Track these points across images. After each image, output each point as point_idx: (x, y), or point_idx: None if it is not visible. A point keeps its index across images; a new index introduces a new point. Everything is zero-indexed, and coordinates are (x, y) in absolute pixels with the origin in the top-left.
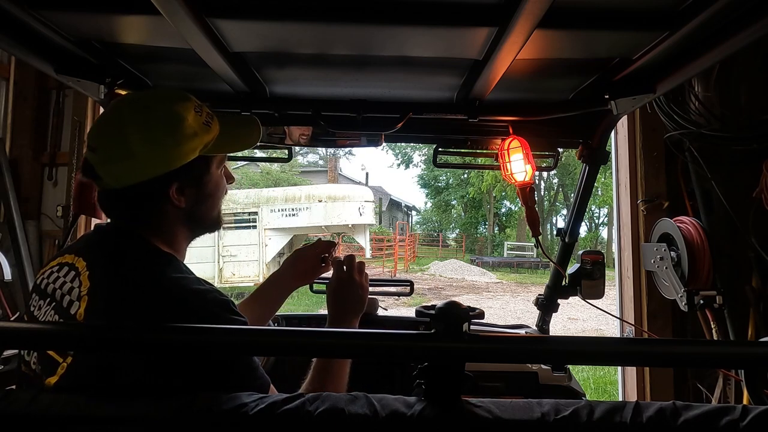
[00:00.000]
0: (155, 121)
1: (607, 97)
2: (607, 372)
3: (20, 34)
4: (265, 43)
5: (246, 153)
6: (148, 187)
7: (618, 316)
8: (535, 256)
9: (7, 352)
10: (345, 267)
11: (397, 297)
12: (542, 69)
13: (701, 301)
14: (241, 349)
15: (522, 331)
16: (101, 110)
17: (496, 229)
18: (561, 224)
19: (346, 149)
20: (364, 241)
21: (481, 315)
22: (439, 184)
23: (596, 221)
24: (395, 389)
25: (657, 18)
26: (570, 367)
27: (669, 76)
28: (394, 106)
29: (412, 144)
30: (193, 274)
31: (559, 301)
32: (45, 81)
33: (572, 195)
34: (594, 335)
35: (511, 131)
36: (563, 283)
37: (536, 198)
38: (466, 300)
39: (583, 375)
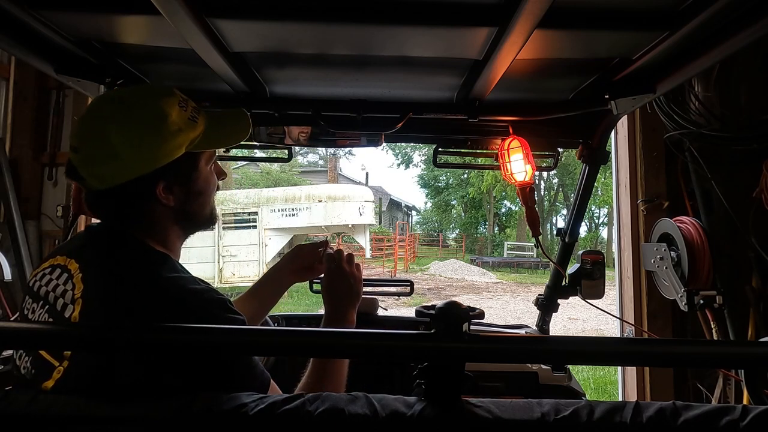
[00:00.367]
0: (137, 120)
1: (607, 97)
2: (607, 372)
3: (20, 34)
4: (265, 43)
5: (246, 153)
6: (133, 187)
7: (618, 316)
8: (535, 256)
9: (7, 352)
10: (334, 260)
11: (397, 297)
12: (542, 69)
13: (701, 301)
14: (241, 349)
15: (522, 331)
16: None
17: (496, 229)
18: (561, 224)
19: (346, 149)
20: (364, 241)
21: (481, 315)
22: (439, 184)
23: (596, 221)
24: (395, 389)
25: (657, 18)
26: (570, 367)
27: (669, 76)
28: (394, 106)
29: (412, 144)
30: (189, 273)
31: (559, 301)
32: (45, 81)
33: (572, 195)
34: (594, 335)
35: (511, 131)
36: (563, 283)
37: (536, 198)
38: (466, 300)
39: (583, 375)
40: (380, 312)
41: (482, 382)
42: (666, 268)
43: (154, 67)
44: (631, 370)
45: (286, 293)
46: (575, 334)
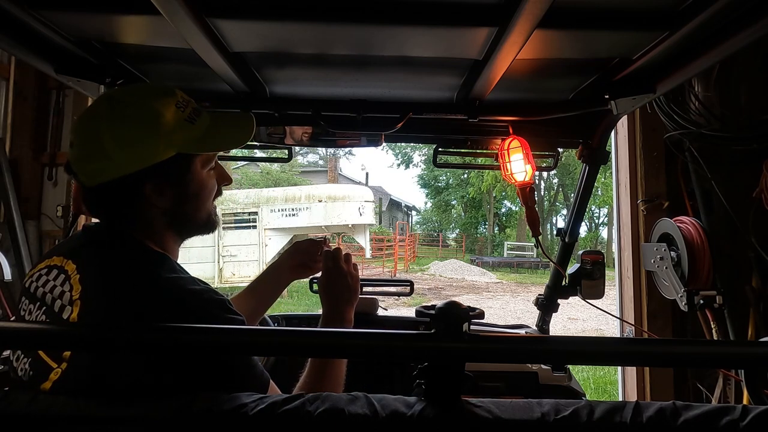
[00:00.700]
0: (127, 118)
1: (607, 97)
2: (607, 372)
3: (20, 34)
4: (265, 43)
5: (246, 153)
6: (120, 185)
7: (618, 316)
8: (535, 256)
9: (7, 352)
10: (332, 258)
11: (397, 297)
12: (542, 69)
13: (701, 301)
14: (241, 349)
15: (522, 331)
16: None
17: (496, 229)
18: (561, 224)
19: (346, 149)
20: (364, 241)
21: (481, 315)
22: (439, 184)
23: (596, 221)
24: (395, 389)
25: (657, 18)
26: (570, 367)
27: (669, 76)
28: (394, 106)
29: (412, 144)
30: (188, 273)
31: (559, 301)
32: (45, 81)
33: (572, 195)
34: (594, 335)
35: (511, 131)
36: (563, 283)
37: (536, 198)
38: (466, 300)
39: (583, 375)
40: (380, 312)
41: (482, 382)
42: (666, 268)
43: (154, 67)
44: (631, 370)
45: (285, 292)
46: (575, 334)
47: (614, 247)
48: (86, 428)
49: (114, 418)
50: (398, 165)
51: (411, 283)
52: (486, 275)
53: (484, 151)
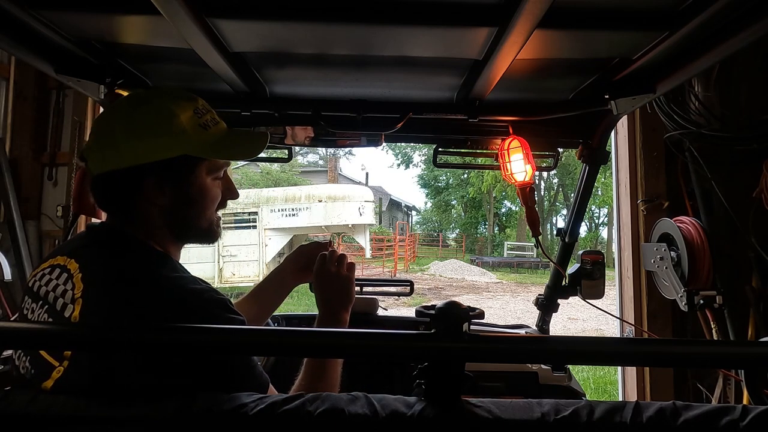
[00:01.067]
0: (142, 114)
1: (607, 97)
2: (607, 372)
3: (20, 34)
4: (265, 43)
5: None
6: (123, 177)
7: (618, 316)
8: (535, 256)
9: (7, 353)
10: (321, 263)
11: (397, 297)
12: (542, 69)
13: (701, 301)
14: (241, 349)
15: (522, 331)
16: (101, 110)
17: (496, 229)
18: (561, 224)
19: (346, 149)
20: (364, 241)
21: (481, 315)
22: (439, 184)
23: (596, 221)
24: (395, 389)
25: (657, 18)
26: (570, 367)
27: (669, 76)
28: (394, 106)
29: (412, 144)
30: (189, 273)
31: (559, 301)
32: (45, 81)
33: (572, 195)
34: (594, 335)
35: (511, 131)
36: (563, 283)
37: (536, 198)
38: (466, 300)
39: (583, 375)
40: (380, 312)
41: (482, 382)
42: (666, 268)
43: (154, 67)
44: (631, 370)
45: None
46: (575, 334)
47: (614, 247)
48: (86, 428)
49: (114, 418)
50: (398, 165)
51: (411, 283)
52: (486, 275)
53: (484, 151)
